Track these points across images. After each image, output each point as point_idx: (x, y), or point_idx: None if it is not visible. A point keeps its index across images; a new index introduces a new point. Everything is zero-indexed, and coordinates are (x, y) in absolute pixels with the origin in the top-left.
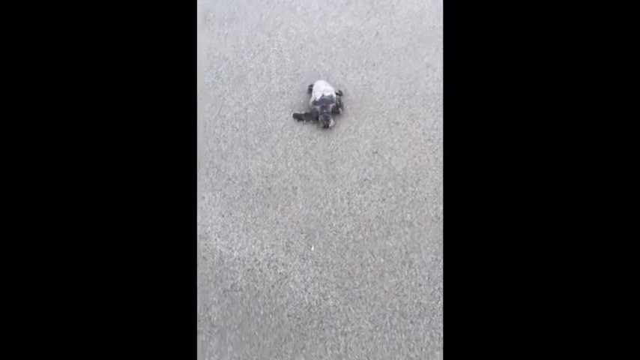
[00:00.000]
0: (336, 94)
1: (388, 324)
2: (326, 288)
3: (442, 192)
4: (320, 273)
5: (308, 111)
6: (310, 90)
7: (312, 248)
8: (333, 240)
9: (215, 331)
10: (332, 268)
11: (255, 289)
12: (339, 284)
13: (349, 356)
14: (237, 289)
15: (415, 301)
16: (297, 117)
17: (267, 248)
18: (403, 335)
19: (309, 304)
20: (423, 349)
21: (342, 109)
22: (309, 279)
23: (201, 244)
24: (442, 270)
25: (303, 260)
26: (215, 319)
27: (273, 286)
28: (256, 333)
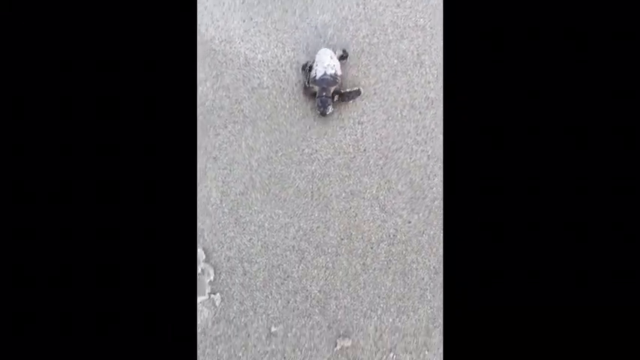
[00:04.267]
0: (341, 56)
1: (399, 115)
2: (344, 86)
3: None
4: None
5: (307, 84)
6: (310, 68)
7: None
8: (350, 43)
9: (248, 121)
10: (349, 69)
11: (280, 87)
12: (357, 83)
13: (364, 140)
14: (264, 87)
15: (424, 96)
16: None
17: (288, 51)
18: (412, 123)
19: None
20: (428, 134)
21: (354, 95)
22: None
23: (226, 47)
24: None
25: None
26: (247, 111)
27: (296, 85)
28: (284, 122)
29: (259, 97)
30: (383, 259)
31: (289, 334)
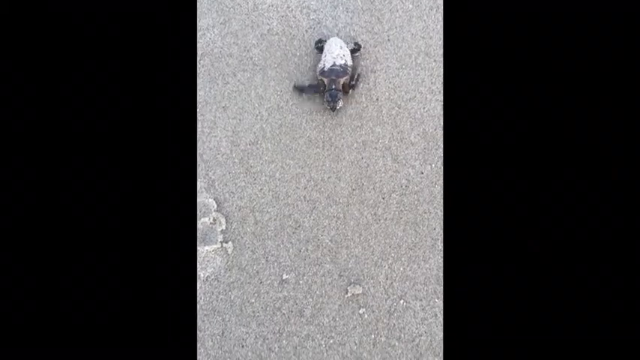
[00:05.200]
0: (353, 49)
1: (414, 62)
2: (356, 32)
3: None
4: (350, 19)
5: (313, 81)
6: (320, 48)
7: None
8: None
9: (257, 69)
10: (362, 14)
11: (290, 33)
12: (369, 29)
13: (377, 89)
14: (274, 33)
15: (440, 43)
16: (299, 89)
17: None
18: (426, 72)
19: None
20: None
21: (357, 82)
22: (340, 25)
23: None
24: None
25: (334, 8)
26: (256, 59)
27: (306, 31)
28: (294, 71)
29: (269, 44)
30: (394, 209)
31: (301, 282)
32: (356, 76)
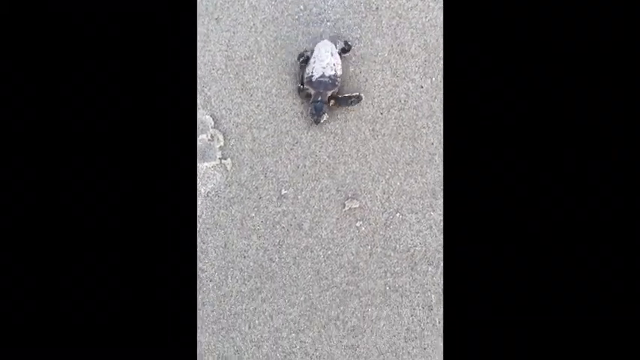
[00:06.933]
0: (343, 49)
1: None
2: None
3: None
4: None
5: (301, 84)
6: (304, 61)
7: None
8: None
9: None
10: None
11: None
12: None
13: None
14: None
15: None
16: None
17: None
18: None
19: None
20: None
21: (350, 102)
22: None
23: None
24: None
25: None
26: None
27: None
28: None
29: None
30: (393, 124)
31: (299, 197)
32: (353, 98)
